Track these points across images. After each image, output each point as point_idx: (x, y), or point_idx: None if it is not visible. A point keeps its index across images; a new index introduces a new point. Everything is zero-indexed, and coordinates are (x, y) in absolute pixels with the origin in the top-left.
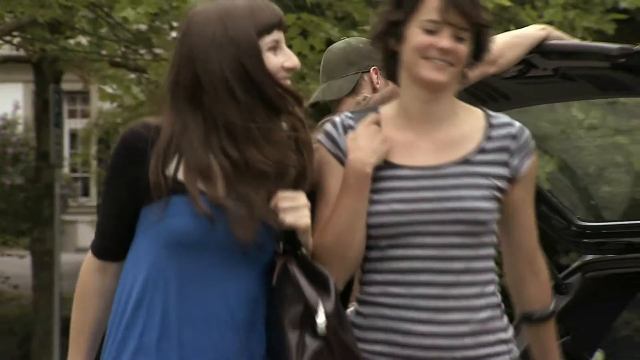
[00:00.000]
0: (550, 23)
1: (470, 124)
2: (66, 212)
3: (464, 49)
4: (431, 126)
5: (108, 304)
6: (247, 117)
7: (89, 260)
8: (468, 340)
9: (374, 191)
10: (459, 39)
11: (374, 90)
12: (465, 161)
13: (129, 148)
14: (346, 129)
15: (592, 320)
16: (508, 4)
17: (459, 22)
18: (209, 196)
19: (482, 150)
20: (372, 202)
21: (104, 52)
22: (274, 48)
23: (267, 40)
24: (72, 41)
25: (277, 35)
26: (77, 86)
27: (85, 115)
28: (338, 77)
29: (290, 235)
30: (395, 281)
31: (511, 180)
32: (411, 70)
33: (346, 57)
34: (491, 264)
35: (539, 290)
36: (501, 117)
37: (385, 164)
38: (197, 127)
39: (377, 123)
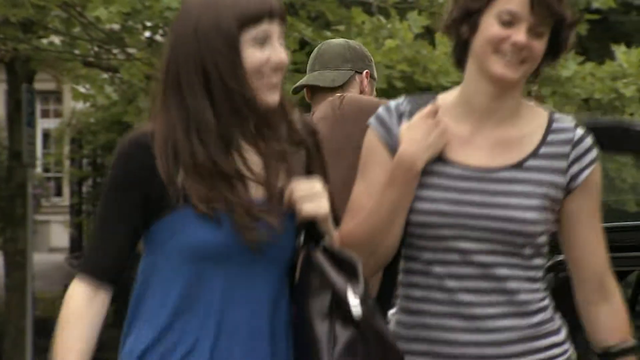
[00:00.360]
0: None
1: (531, 125)
2: (39, 212)
3: (540, 46)
4: (491, 123)
5: (94, 333)
6: (220, 119)
7: (76, 285)
8: (517, 348)
9: (420, 186)
10: (536, 34)
11: (361, 92)
12: (519, 166)
13: (131, 160)
14: (401, 115)
15: (566, 319)
16: None
17: (539, 15)
18: (195, 199)
19: (537, 155)
20: (416, 198)
21: (76, 51)
22: (261, 42)
23: (251, 33)
24: (44, 41)
25: (267, 26)
26: (50, 86)
27: (58, 114)
28: (333, 68)
29: (310, 226)
30: (438, 286)
31: (567, 189)
32: (481, 63)
33: (343, 53)
34: (540, 273)
35: (612, 318)
36: (565, 121)
37: (437, 159)
38: (180, 126)
39: (435, 114)
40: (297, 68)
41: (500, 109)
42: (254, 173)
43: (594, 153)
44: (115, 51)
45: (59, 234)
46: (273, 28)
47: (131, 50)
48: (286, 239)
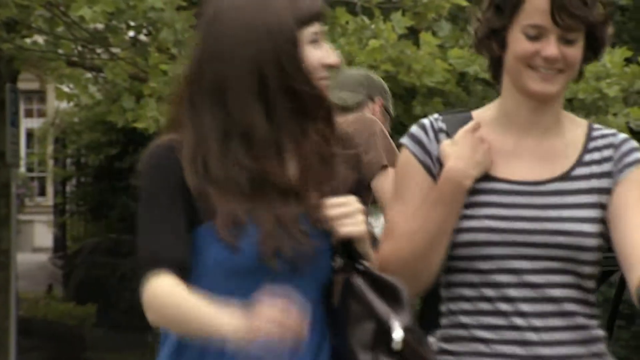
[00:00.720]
0: None
1: (572, 134)
2: (22, 211)
3: (574, 52)
4: (534, 136)
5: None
6: (273, 124)
7: (157, 280)
8: None
9: (466, 205)
10: (568, 42)
11: None
12: (566, 177)
13: (161, 171)
14: (437, 132)
15: None
16: (465, 3)
17: (565, 24)
18: (227, 216)
19: (582, 163)
20: (463, 217)
21: (60, 51)
22: (314, 42)
23: (307, 32)
24: (28, 40)
25: (318, 27)
26: (34, 85)
27: (41, 114)
28: (345, 89)
29: (347, 247)
30: (490, 311)
31: (612, 190)
32: (516, 81)
33: (359, 79)
34: (594, 297)
35: None
36: (605, 129)
37: (482, 175)
38: (216, 133)
39: (477, 130)
40: None
41: (541, 121)
42: (299, 185)
43: (638, 154)
44: (99, 51)
45: (43, 234)
46: (321, 29)
47: (115, 50)
48: (323, 259)
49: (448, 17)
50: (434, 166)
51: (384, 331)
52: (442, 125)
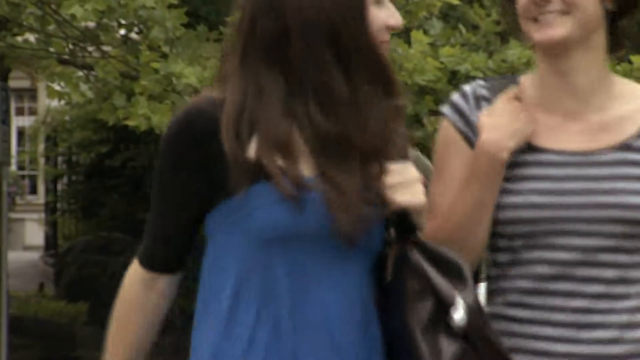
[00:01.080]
0: (498, 22)
1: (633, 104)
2: (13, 210)
3: None
4: (580, 104)
5: (151, 325)
6: (345, 80)
7: (134, 271)
8: None
9: (508, 179)
10: None
11: None
12: (625, 147)
13: (192, 131)
14: (479, 100)
15: None
16: (456, 2)
17: None
18: (289, 176)
19: None
20: (505, 192)
21: (51, 49)
22: (378, 1)
23: None
24: (19, 38)
25: None
26: (25, 83)
27: (33, 112)
28: None
29: (402, 218)
30: (529, 289)
31: None
32: (530, 41)
33: None
34: None
35: None
36: None
37: (526, 146)
38: (277, 90)
39: (519, 97)
40: None
41: (579, 84)
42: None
43: None
44: (90, 49)
45: (34, 232)
46: None
47: (106, 48)
48: (375, 229)
49: (439, 15)
50: (474, 137)
51: (445, 310)
52: (484, 91)
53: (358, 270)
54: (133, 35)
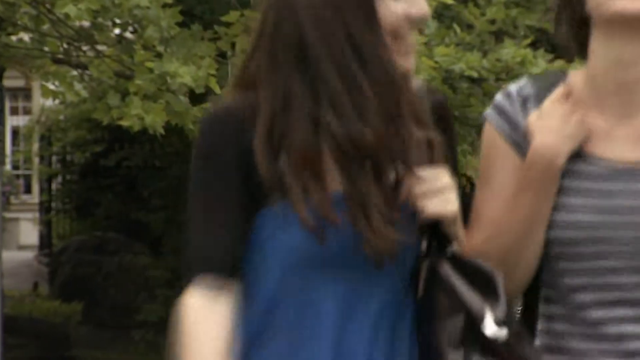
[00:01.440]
0: (492, 22)
1: None
2: (8, 209)
3: None
4: (632, 106)
5: (227, 343)
6: (350, 83)
7: (193, 293)
8: None
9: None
10: None
11: None
12: None
13: (224, 137)
14: (525, 101)
15: None
16: (451, 2)
17: None
18: (315, 200)
19: None
20: (554, 206)
21: (46, 48)
22: None
23: None
24: (13, 38)
25: None
26: (19, 83)
27: (27, 112)
28: None
29: (434, 228)
30: (582, 318)
31: None
32: (600, 13)
33: None
34: None
35: None
36: None
37: (574, 154)
38: (304, 98)
39: (569, 97)
40: None
41: (637, 81)
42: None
43: None
44: (84, 48)
45: (28, 232)
46: None
47: (101, 48)
48: (407, 243)
49: (434, 15)
50: (522, 142)
51: (476, 326)
52: (530, 91)
53: (390, 289)
54: (128, 35)
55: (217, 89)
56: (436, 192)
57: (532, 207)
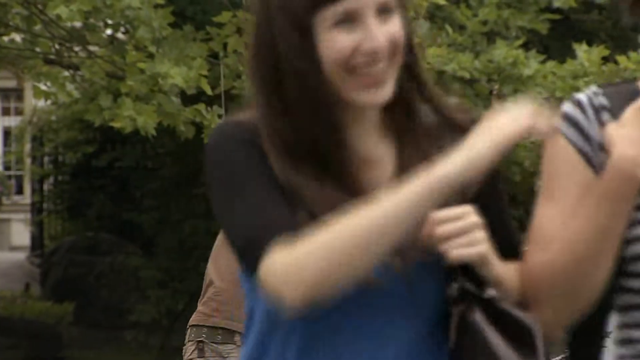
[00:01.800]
0: (484, 22)
1: None
2: (0, 210)
3: None
4: None
5: None
6: (293, 126)
7: (275, 252)
8: None
9: (637, 207)
10: None
11: None
12: None
13: (236, 132)
14: (598, 111)
15: None
16: (443, 2)
17: None
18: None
19: None
20: (633, 223)
21: (38, 49)
22: (350, 21)
23: (333, 12)
24: (5, 38)
25: (357, 2)
26: (11, 83)
27: (19, 112)
28: None
29: (466, 271)
30: None
31: None
32: None
33: None
34: None
35: None
36: None
37: None
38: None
39: None
40: None
41: None
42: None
43: None
44: (76, 49)
45: (20, 233)
46: (369, 3)
47: (93, 48)
48: (427, 286)
49: (426, 15)
50: (594, 155)
51: None
52: (604, 101)
53: (409, 333)
54: (119, 35)
55: (208, 90)
56: (461, 233)
57: (606, 222)
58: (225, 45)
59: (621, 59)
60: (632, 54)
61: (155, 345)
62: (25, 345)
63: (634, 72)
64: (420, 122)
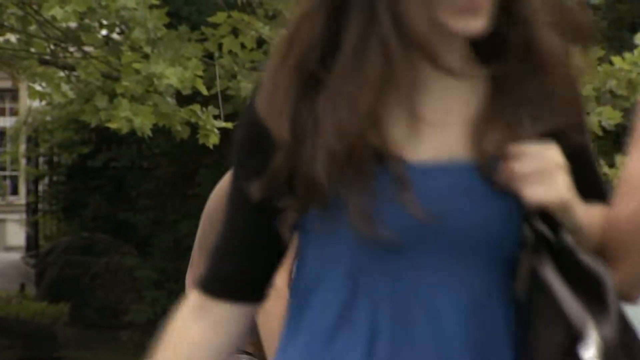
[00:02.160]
0: None
1: None
2: None
3: None
4: None
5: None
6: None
7: (187, 298)
8: None
9: None
10: None
11: None
12: None
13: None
14: None
15: None
16: None
17: None
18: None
19: None
20: None
21: (33, 49)
22: None
23: None
24: (0, 39)
25: None
26: (6, 84)
27: (14, 113)
28: None
29: (544, 216)
30: None
31: None
32: None
33: None
34: None
35: None
36: None
37: None
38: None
39: None
40: (254, 66)
41: None
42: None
43: None
44: (71, 49)
45: (15, 233)
46: None
47: (88, 49)
48: (501, 229)
49: None
50: None
51: (575, 344)
52: None
53: (474, 277)
54: (115, 36)
55: (204, 90)
56: (541, 173)
57: None
58: (220, 46)
59: (616, 59)
60: (627, 55)
61: (151, 346)
62: (20, 345)
63: (629, 73)
64: (512, 80)
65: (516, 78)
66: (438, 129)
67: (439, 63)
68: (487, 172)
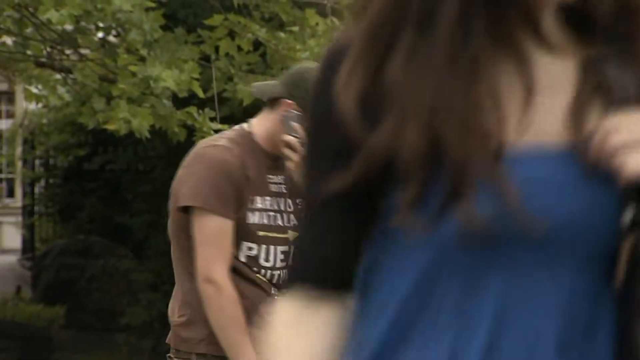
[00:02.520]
0: None
1: None
2: None
3: None
4: None
5: None
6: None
7: (279, 307)
8: None
9: None
10: None
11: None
12: None
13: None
14: None
15: None
16: None
17: None
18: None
19: None
20: None
21: (29, 52)
22: None
23: None
24: None
25: None
26: (3, 86)
27: (10, 115)
28: (276, 81)
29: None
30: None
31: None
32: None
33: (292, 74)
34: None
35: None
36: None
37: None
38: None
39: None
40: (251, 69)
41: None
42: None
43: None
44: (68, 52)
45: (11, 235)
46: None
47: (84, 51)
48: (596, 217)
49: None
50: None
51: None
52: None
53: (576, 274)
54: (111, 38)
55: (200, 93)
56: (634, 145)
57: None
58: (217, 48)
59: None
60: None
61: (147, 348)
62: (16, 348)
63: None
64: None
65: (608, 53)
66: (536, 110)
67: (540, 33)
68: (585, 157)
